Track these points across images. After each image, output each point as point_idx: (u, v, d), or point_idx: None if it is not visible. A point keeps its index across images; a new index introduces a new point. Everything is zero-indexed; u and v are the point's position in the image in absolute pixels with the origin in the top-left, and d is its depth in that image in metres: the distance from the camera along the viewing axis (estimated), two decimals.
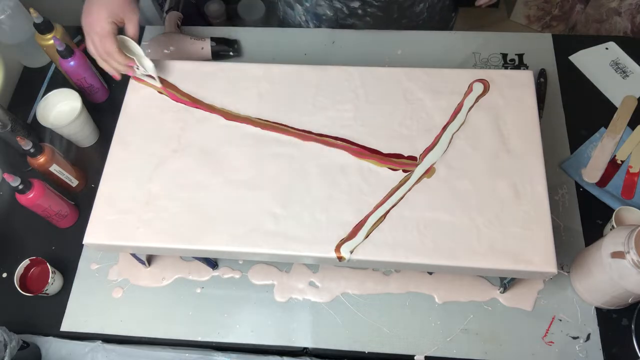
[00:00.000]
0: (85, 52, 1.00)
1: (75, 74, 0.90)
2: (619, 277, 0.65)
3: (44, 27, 0.87)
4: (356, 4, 0.94)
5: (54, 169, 0.83)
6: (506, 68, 0.97)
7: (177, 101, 0.77)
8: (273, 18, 1.61)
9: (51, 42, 0.89)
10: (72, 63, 0.88)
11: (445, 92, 0.75)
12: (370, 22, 0.99)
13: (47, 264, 0.78)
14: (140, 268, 0.82)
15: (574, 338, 0.73)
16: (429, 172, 0.69)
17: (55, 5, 1.06)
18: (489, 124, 0.72)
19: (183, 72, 0.80)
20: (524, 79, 0.76)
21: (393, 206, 0.67)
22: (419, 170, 0.69)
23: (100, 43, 0.73)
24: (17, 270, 0.78)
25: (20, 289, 0.78)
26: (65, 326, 0.79)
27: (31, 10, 0.83)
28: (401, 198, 0.67)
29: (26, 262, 0.79)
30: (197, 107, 0.76)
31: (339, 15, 0.98)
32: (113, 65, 0.75)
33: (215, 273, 0.81)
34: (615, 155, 0.86)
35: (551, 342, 0.73)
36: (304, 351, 0.76)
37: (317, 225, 0.66)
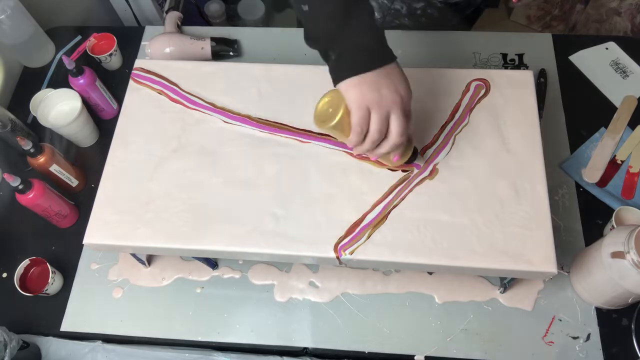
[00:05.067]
0: (85, 55, 1.00)
1: (85, 92, 0.90)
2: (619, 277, 0.65)
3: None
4: (419, 5, 0.92)
5: (54, 169, 0.83)
6: (506, 68, 0.97)
7: (176, 102, 0.77)
8: (273, 18, 1.61)
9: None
10: (81, 81, 0.89)
11: (445, 92, 0.75)
12: (424, 22, 0.96)
13: (47, 264, 0.78)
14: (140, 268, 0.82)
15: (574, 338, 0.73)
16: (433, 174, 0.69)
17: (55, 5, 1.06)
18: (489, 124, 0.72)
19: (183, 72, 0.80)
20: (524, 79, 0.76)
21: (394, 207, 0.67)
22: (422, 173, 0.69)
23: (409, 117, 0.60)
24: (17, 270, 0.78)
25: (20, 289, 0.78)
26: (65, 326, 0.79)
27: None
28: (402, 198, 0.67)
29: (26, 262, 0.79)
30: (196, 108, 0.76)
31: (387, 17, 0.95)
32: (401, 148, 0.63)
33: (215, 273, 0.81)
34: (615, 155, 0.86)
35: (551, 342, 0.73)
36: (304, 351, 0.76)
37: (317, 225, 0.66)
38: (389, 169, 0.70)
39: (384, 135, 0.59)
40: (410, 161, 0.67)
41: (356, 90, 0.57)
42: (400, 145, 0.61)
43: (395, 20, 0.97)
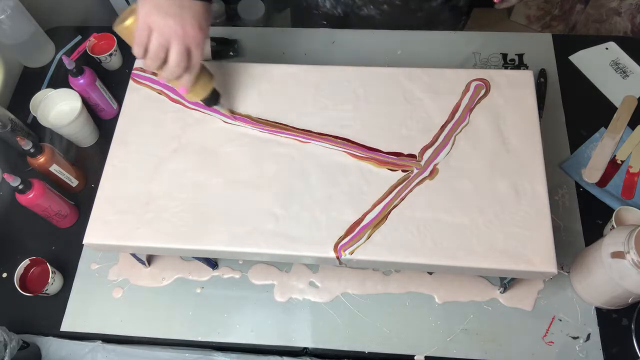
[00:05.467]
0: (85, 55, 1.00)
1: (85, 92, 0.91)
2: (619, 277, 0.65)
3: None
4: None
5: (54, 169, 0.83)
6: (506, 68, 0.97)
7: (176, 102, 0.77)
8: (273, 18, 1.60)
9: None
10: (81, 81, 0.89)
11: (445, 92, 0.75)
12: (387, 10, 0.97)
13: (47, 264, 0.78)
14: (140, 268, 0.82)
15: (574, 338, 0.73)
16: (433, 174, 0.69)
17: (55, 5, 1.06)
18: (489, 124, 0.72)
19: None
20: (524, 79, 0.76)
21: (394, 207, 0.67)
22: (422, 173, 0.69)
23: (192, 54, 0.64)
24: (17, 270, 0.78)
25: (20, 289, 0.78)
26: (65, 326, 0.79)
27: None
28: (402, 198, 0.67)
29: (26, 262, 0.79)
30: (196, 108, 0.76)
31: (357, 1, 0.97)
32: (185, 80, 0.66)
33: (215, 273, 0.81)
34: (615, 155, 0.86)
35: (551, 342, 0.73)
36: (304, 351, 0.76)
37: (317, 225, 0.66)
38: (388, 169, 0.70)
39: (163, 60, 0.62)
40: (209, 104, 0.72)
41: (144, 8, 0.61)
42: (178, 75, 0.64)
43: (363, 8, 0.98)
